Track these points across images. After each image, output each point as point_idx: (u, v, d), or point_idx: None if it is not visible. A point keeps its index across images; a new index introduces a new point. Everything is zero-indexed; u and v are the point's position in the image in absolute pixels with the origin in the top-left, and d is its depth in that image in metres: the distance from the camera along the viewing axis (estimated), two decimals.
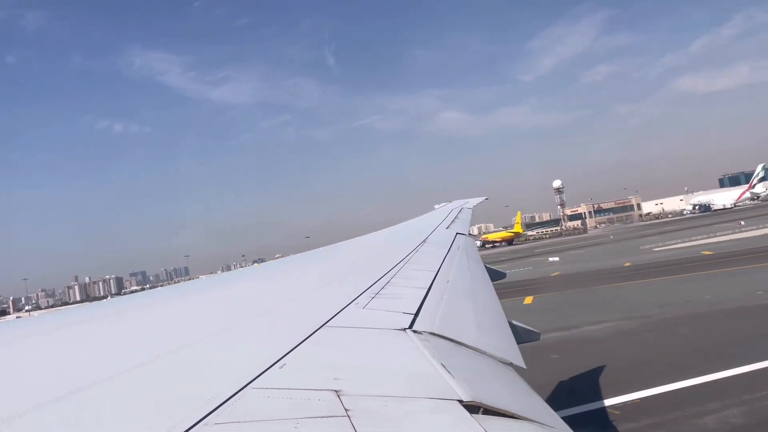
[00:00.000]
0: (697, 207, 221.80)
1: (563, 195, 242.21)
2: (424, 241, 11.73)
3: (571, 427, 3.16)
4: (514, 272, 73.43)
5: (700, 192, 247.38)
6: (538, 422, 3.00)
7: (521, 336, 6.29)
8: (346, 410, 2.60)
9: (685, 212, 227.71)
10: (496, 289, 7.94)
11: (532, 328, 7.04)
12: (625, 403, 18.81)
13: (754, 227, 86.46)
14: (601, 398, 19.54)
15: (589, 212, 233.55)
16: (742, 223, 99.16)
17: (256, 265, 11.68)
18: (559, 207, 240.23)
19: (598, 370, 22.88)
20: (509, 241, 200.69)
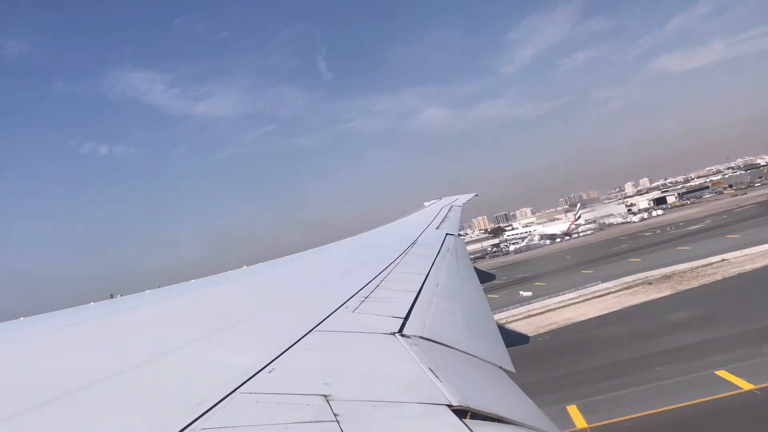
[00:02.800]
0: None
1: None
2: (414, 242, 11.72)
3: None
4: None
5: None
6: (528, 426, 3.01)
7: (511, 339, 6.29)
8: (335, 415, 2.59)
9: None
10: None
11: (521, 332, 7.06)
12: None
13: None
14: None
15: None
16: None
17: (245, 267, 11.59)
18: None
19: None
20: None
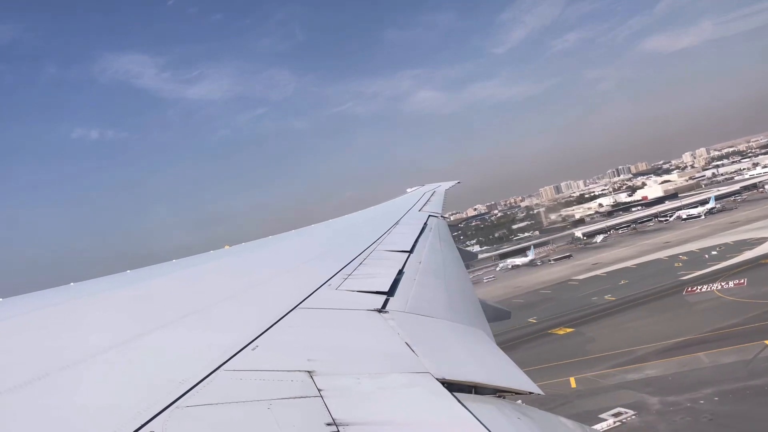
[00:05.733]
0: None
1: None
2: (397, 222, 11.75)
3: None
4: None
5: None
6: (509, 389, 3.08)
7: (492, 314, 6.38)
8: (319, 390, 2.61)
9: None
10: None
11: (503, 307, 7.15)
12: None
13: None
14: None
15: None
16: None
17: (227, 247, 11.53)
18: None
19: None
20: None
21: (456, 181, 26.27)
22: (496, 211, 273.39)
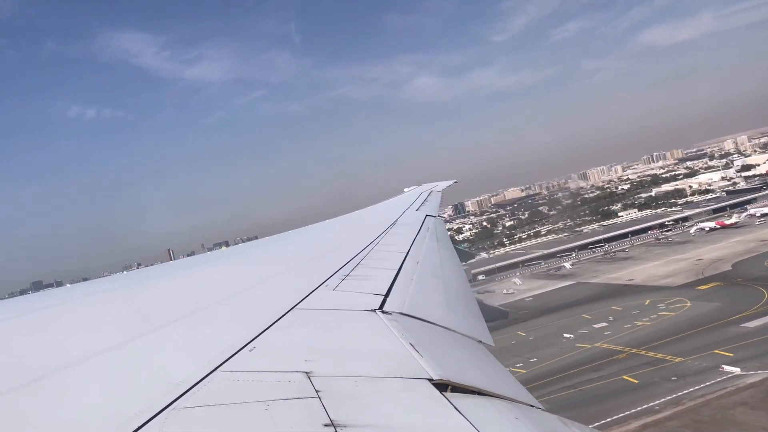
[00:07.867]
0: None
1: None
2: (394, 223, 11.76)
3: None
4: None
5: None
6: (507, 397, 3.07)
7: (490, 315, 6.37)
8: (316, 391, 2.61)
9: None
10: None
11: (501, 307, 7.15)
12: None
13: None
14: None
15: None
16: None
17: (223, 248, 11.55)
18: None
19: None
20: None
21: (453, 180, 26.40)
22: (543, 191, 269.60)
